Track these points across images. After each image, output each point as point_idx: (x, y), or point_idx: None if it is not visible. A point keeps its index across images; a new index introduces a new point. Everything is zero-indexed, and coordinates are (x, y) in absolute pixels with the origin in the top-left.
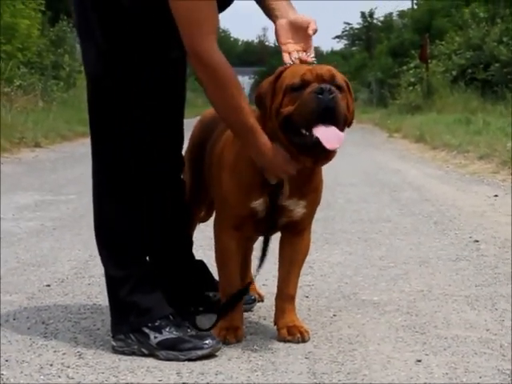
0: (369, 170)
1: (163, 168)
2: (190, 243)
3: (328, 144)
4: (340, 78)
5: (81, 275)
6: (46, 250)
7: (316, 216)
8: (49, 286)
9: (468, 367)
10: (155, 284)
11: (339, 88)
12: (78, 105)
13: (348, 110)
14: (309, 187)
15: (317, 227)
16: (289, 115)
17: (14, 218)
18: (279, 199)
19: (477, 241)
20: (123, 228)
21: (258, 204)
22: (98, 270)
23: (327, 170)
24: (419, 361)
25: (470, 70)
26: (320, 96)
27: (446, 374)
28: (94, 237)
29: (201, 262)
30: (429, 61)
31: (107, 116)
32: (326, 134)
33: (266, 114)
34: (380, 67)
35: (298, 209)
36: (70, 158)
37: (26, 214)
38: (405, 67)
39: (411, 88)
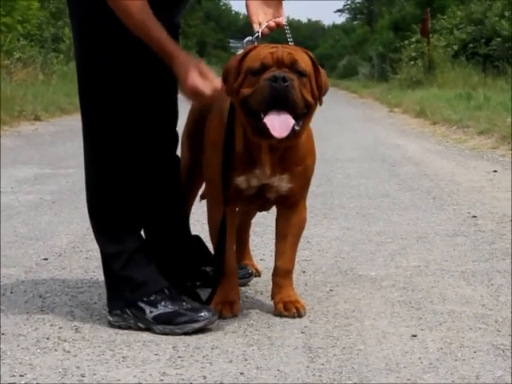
0: (368, 145)
1: (157, 143)
2: (186, 219)
3: (275, 132)
4: (303, 61)
5: (78, 249)
6: (44, 224)
7: (315, 191)
8: (46, 259)
9: (463, 342)
10: (150, 258)
11: (300, 73)
12: None
13: (315, 91)
14: (291, 162)
15: (315, 202)
16: (246, 97)
17: (13, 191)
18: (260, 179)
19: (475, 216)
20: (114, 203)
21: (241, 181)
22: (95, 244)
23: (326, 145)
24: (414, 336)
25: (471, 45)
26: (274, 84)
27: (441, 348)
28: None
29: (197, 237)
30: (430, 35)
31: (99, 90)
32: (274, 122)
33: (228, 91)
34: (381, 41)
35: (283, 183)
36: (69, 132)
37: (24, 188)
38: (406, 42)
39: (412, 63)
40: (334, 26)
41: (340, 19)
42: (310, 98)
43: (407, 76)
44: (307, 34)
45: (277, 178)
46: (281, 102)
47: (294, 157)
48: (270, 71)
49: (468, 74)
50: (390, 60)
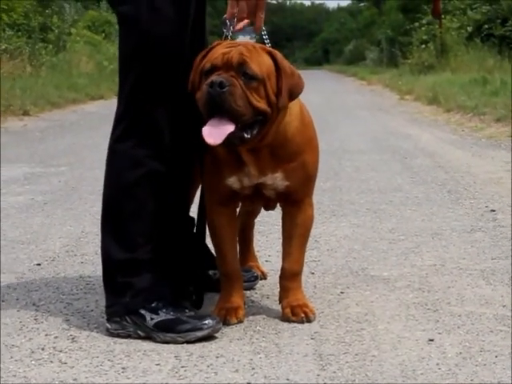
0: (378, 135)
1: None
2: (192, 220)
3: (209, 139)
4: (257, 63)
5: (73, 253)
6: (36, 227)
7: (322, 186)
8: (39, 264)
9: (483, 346)
10: (154, 266)
11: (249, 77)
12: (69, 69)
13: (271, 96)
14: (281, 159)
15: (323, 198)
16: (198, 100)
17: (2, 192)
18: (251, 179)
19: (493, 210)
20: (134, 209)
21: (232, 182)
22: (90, 247)
23: (333, 136)
24: (431, 340)
25: (486, 26)
26: (210, 90)
27: (460, 353)
28: (86, 212)
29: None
30: (442, 16)
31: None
32: (210, 129)
33: (191, 90)
34: (390, 24)
35: (278, 182)
36: (60, 127)
37: (14, 188)
38: (417, 24)
39: (423, 46)
40: (339, 9)
41: (345, 1)
42: (260, 104)
43: (418, 60)
44: (310, 17)
45: (269, 177)
46: (218, 108)
47: (283, 154)
48: (215, 74)
49: (483, 57)
50: (400, 44)
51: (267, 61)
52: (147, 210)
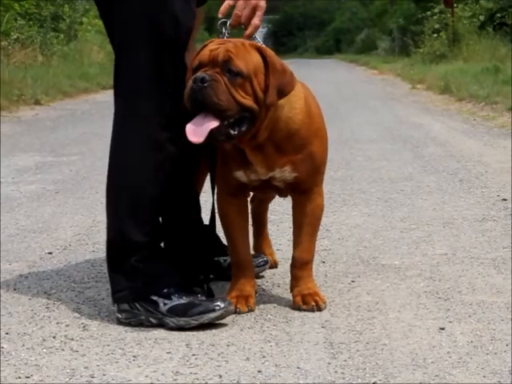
0: (390, 124)
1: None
2: (198, 208)
3: (192, 137)
4: (243, 60)
5: (84, 242)
6: (48, 216)
7: (333, 175)
8: (51, 253)
9: (494, 335)
10: (164, 253)
11: (233, 73)
12: (80, 59)
13: (258, 93)
14: (288, 152)
15: (334, 187)
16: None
17: (14, 181)
18: (258, 175)
19: (505, 199)
20: (157, 194)
21: (240, 175)
22: (102, 236)
23: (344, 126)
24: (442, 328)
25: (498, 15)
26: (193, 85)
27: (471, 342)
28: (98, 201)
29: (208, 227)
30: (454, 5)
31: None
32: (194, 126)
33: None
34: (402, 13)
35: (286, 174)
36: (71, 116)
37: (26, 177)
38: (428, 13)
39: (435, 35)
40: None
41: None
42: (246, 101)
43: (430, 50)
44: (322, 6)
45: (276, 171)
46: (200, 104)
47: (289, 148)
48: (201, 71)
49: (495, 46)
50: (412, 33)
51: (255, 58)
52: (165, 196)
